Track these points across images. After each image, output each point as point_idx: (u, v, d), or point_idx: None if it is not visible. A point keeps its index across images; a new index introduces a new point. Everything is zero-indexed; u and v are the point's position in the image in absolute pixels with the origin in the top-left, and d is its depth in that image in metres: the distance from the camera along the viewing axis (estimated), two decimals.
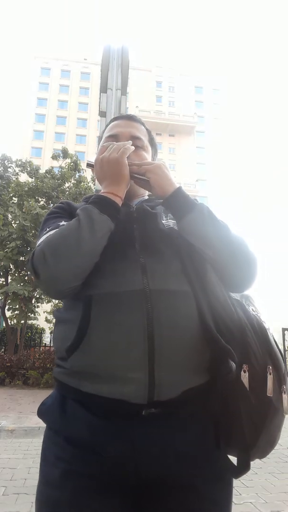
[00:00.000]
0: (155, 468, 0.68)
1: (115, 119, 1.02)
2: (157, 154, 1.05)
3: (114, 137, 0.95)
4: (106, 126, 1.03)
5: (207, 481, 0.69)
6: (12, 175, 11.97)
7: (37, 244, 0.77)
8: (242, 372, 0.69)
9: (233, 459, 0.72)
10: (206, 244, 0.77)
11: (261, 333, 0.73)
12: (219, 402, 0.71)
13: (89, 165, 0.92)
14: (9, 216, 9.98)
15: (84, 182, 12.42)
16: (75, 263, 0.71)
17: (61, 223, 0.80)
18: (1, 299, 9.81)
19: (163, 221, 0.86)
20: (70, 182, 12.38)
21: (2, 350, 10.40)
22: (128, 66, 8.54)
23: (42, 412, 0.79)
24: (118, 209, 0.78)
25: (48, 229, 0.79)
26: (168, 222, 0.86)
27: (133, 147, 0.86)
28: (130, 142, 0.89)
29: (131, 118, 1.00)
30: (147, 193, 0.98)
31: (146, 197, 0.97)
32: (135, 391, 0.67)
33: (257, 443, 0.68)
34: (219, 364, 0.71)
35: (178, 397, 0.69)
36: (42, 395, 6.80)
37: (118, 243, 0.78)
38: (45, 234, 0.78)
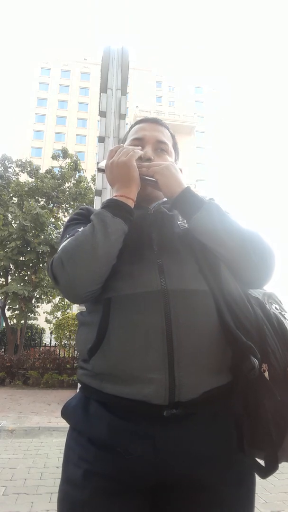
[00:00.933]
0: (176, 469, 0.67)
1: (140, 121, 1.01)
2: (178, 158, 1.05)
3: (140, 140, 0.95)
4: (130, 128, 1.03)
5: (228, 484, 0.69)
6: (12, 175, 11.98)
7: (58, 251, 0.79)
8: (261, 372, 0.68)
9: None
10: (216, 241, 0.77)
11: (281, 332, 0.73)
12: (242, 402, 0.71)
13: (100, 170, 0.93)
14: (9, 216, 9.99)
15: (84, 182, 12.43)
16: (91, 268, 0.71)
17: (80, 230, 0.80)
18: (1, 299, 9.81)
19: (179, 223, 0.87)
20: (70, 182, 12.39)
21: (2, 350, 10.40)
22: (128, 66, 8.53)
23: (66, 413, 0.80)
24: (130, 211, 0.78)
25: (68, 236, 0.80)
26: (184, 223, 0.86)
27: (141, 152, 0.87)
28: (140, 147, 0.89)
29: (157, 121, 1.00)
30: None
31: (165, 199, 0.96)
32: (156, 392, 0.67)
33: (282, 445, 0.67)
34: (241, 361, 0.69)
35: (199, 398, 0.68)
36: (42, 395, 6.80)
37: (136, 245, 0.79)
38: (64, 241, 0.79)
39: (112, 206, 0.78)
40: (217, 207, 0.79)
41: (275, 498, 2.64)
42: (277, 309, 0.78)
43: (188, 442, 0.68)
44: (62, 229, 0.91)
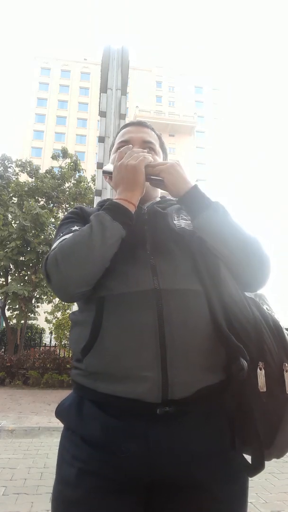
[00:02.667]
0: (170, 467, 0.68)
1: (126, 125, 1.04)
2: (167, 158, 1.06)
3: (126, 142, 0.97)
4: (117, 133, 1.05)
5: (221, 482, 0.69)
6: (12, 175, 11.98)
7: (51, 249, 0.79)
8: (258, 370, 0.69)
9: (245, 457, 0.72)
10: (220, 242, 0.77)
11: (277, 331, 0.74)
12: (234, 401, 0.71)
13: (105, 172, 0.94)
14: (9, 216, 9.99)
15: (84, 182, 12.42)
16: (86, 269, 0.72)
17: (74, 228, 0.82)
18: (1, 299, 9.81)
19: (174, 222, 0.87)
20: (70, 182, 12.38)
21: (2, 350, 10.40)
22: (128, 66, 8.53)
23: (59, 413, 0.80)
24: (130, 217, 0.78)
25: (61, 235, 0.81)
26: (179, 222, 0.86)
27: (151, 159, 0.87)
28: (151, 154, 0.90)
29: (141, 124, 1.02)
30: (159, 196, 1.00)
31: (158, 199, 0.98)
32: (149, 390, 0.68)
33: (274, 442, 0.68)
34: (231, 362, 0.71)
35: (192, 396, 0.69)
36: (42, 395, 6.80)
37: (129, 245, 0.79)
38: (58, 239, 0.80)
39: (112, 209, 0.78)
40: (224, 209, 0.80)
41: (275, 498, 2.65)
42: (267, 310, 0.79)
43: (182, 440, 0.69)
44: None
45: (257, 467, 0.67)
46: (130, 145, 0.92)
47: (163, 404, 0.68)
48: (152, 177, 0.85)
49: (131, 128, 1.01)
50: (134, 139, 0.97)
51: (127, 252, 0.78)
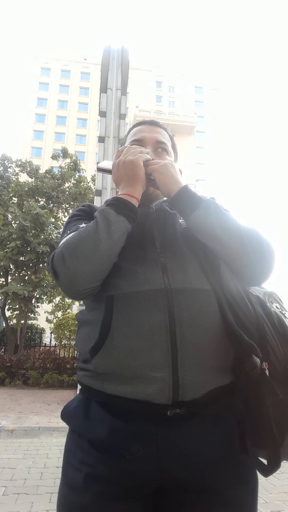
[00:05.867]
0: (179, 471, 0.67)
1: (138, 124, 1.02)
2: (177, 159, 1.06)
3: (139, 141, 0.96)
4: (129, 131, 1.04)
5: (231, 486, 0.68)
6: (12, 175, 11.96)
7: (58, 246, 0.78)
8: None
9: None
10: (214, 239, 0.76)
11: (282, 330, 0.72)
12: (243, 402, 0.70)
13: (100, 169, 0.95)
14: (9, 216, 9.98)
15: (84, 182, 12.41)
16: (93, 264, 0.71)
17: (81, 225, 0.80)
18: (1, 299, 9.80)
19: (180, 221, 0.87)
20: (70, 182, 12.37)
21: (2, 350, 10.39)
22: (128, 66, 8.53)
23: (66, 415, 0.79)
24: (134, 210, 0.78)
25: (69, 232, 0.81)
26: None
27: (149, 156, 0.87)
28: (148, 150, 0.90)
29: (155, 123, 1.01)
30: None
31: (165, 198, 0.96)
32: (159, 391, 0.66)
33: (283, 442, 0.67)
34: (242, 360, 0.69)
35: (202, 397, 0.68)
36: (42, 395, 6.80)
37: (138, 243, 0.79)
38: (66, 236, 0.79)
39: (116, 204, 0.77)
40: (215, 205, 0.79)
41: (275, 498, 2.64)
42: (277, 308, 0.78)
43: (192, 443, 0.67)
44: (62, 227, 0.91)
45: (273, 466, 0.67)
46: (129, 145, 0.92)
47: (173, 406, 0.67)
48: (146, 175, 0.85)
49: (144, 127, 0.99)
50: (147, 139, 0.96)
51: (137, 250, 0.78)
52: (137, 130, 1.00)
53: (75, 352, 9.10)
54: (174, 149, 1.04)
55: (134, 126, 1.03)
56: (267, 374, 0.68)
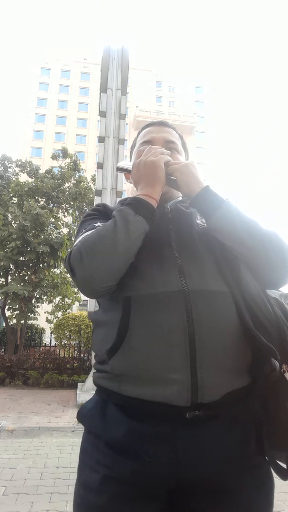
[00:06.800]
0: (195, 471, 0.67)
1: (147, 126, 1.03)
2: (188, 158, 1.06)
3: (149, 142, 0.97)
4: (138, 133, 1.05)
5: (248, 488, 0.68)
6: (12, 175, 11.96)
7: (74, 244, 0.79)
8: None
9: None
10: (236, 241, 0.76)
11: None
12: (261, 403, 0.70)
13: (119, 169, 0.94)
14: (9, 216, 9.98)
15: (84, 182, 12.42)
16: (110, 263, 0.71)
17: (97, 224, 0.81)
18: (1, 299, 9.80)
19: (197, 221, 0.86)
20: (70, 182, 12.38)
21: (2, 350, 10.39)
22: (128, 66, 8.53)
23: (81, 416, 0.79)
24: (153, 211, 0.78)
25: (84, 231, 0.81)
26: (202, 221, 0.85)
27: (169, 158, 0.87)
28: (169, 152, 0.89)
29: (163, 123, 1.02)
30: (181, 194, 0.98)
31: (180, 198, 0.97)
32: (178, 393, 0.66)
33: None
34: (261, 363, 0.68)
35: (220, 399, 0.68)
36: (42, 395, 6.80)
37: (155, 244, 0.78)
38: (81, 235, 0.79)
39: (135, 204, 0.77)
40: (236, 207, 0.78)
41: (275, 498, 2.62)
42: None
43: (209, 445, 0.67)
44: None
45: None
46: (151, 146, 0.91)
47: (192, 408, 0.67)
48: (166, 175, 0.84)
49: (153, 128, 1.00)
50: (157, 139, 0.96)
51: (153, 251, 0.78)
52: (146, 132, 1.01)
53: (75, 352, 9.10)
54: (185, 147, 1.04)
55: (143, 128, 1.04)
56: (287, 378, 0.67)
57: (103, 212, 0.90)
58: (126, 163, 0.94)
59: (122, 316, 0.72)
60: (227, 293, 0.73)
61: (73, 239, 11.71)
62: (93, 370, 0.84)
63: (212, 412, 0.68)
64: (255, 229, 0.76)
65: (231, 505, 0.67)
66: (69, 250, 0.78)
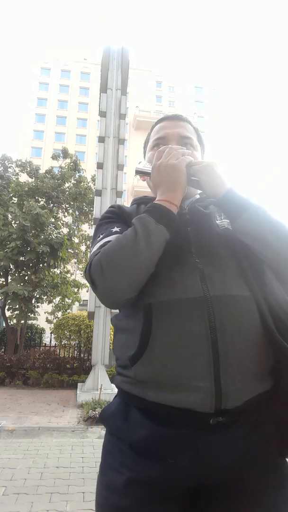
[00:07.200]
0: (217, 474, 0.67)
1: (161, 120, 0.99)
2: (204, 151, 1.02)
3: (163, 139, 0.93)
4: (152, 127, 1.01)
5: (269, 488, 0.68)
6: (12, 175, 11.96)
7: (92, 251, 0.78)
8: None
9: None
10: (262, 244, 0.74)
11: None
12: (283, 406, 0.70)
13: (138, 172, 0.90)
14: (9, 216, 9.98)
15: (84, 182, 12.42)
16: (131, 275, 0.70)
17: (114, 229, 0.80)
18: (1, 299, 9.80)
19: (217, 221, 0.83)
20: (70, 182, 12.38)
21: (2, 350, 10.39)
22: (128, 66, 8.53)
23: (104, 418, 0.80)
24: (173, 218, 0.76)
25: (101, 236, 0.80)
26: (222, 222, 0.83)
27: (192, 158, 0.84)
28: (190, 151, 0.87)
29: (178, 117, 0.97)
30: (198, 192, 0.95)
31: (198, 197, 0.93)
32: (202, 400, 0.66)
33: None
34: (284, 367, 0.68)
35: (244, 405, 0.68)
36: (42, 395, 6.80)
37: (174, 248, 0.76)
38: (98, 241, 0.79)
39: (155, 211, 0.75)
40: (264, 209, 0.76)
41: None
42: None
43: (231, 447, 0.68)
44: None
45: None
46: (171, 146, 0.87)
47: (216, 414, 0.67)
48: (188, 176, 0.81)
49: (167, 123, 0.96)
50: (171, 135, 0.92)
51: (172, 256, 0.76)
52: (160, 127, 0.96)
53: (75, 352, 9.10)
54: (201, 142, 0.99)
55: (156, 123, 1.00)
56: None
57: (119, 215, 0.89)
58: (145, 165, 0.90)
59: (143, 323, 0.71)
60: (249, 298, 0.71)
61: (73, 239, 11.73)
62: (114, 374, 0.85)
63: (235, 417, 0.68)
64: (283, 232, 0.74)
65: (251, 505, 0.68)
66: (89, 256, 0.77)
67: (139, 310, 0.73)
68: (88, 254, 11.60)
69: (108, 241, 0.76)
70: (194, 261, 0.75)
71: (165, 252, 0.74)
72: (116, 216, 0.88)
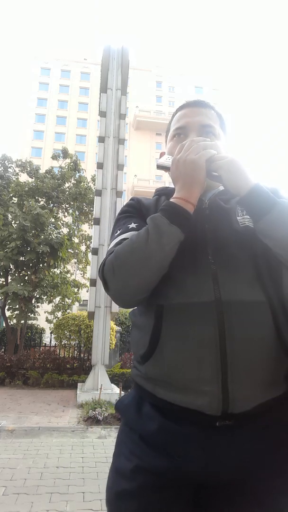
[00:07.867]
0: (223, 473, 0.68)
1: (181, 107, 0.93)
2: (226, 135, 0.96)
3: (183, 129, 0.89)
4: (173, 116, 0.96)
5: (275, 491, 0.68)
6: (12, 175, 11.96)
7: (109, 247, 0.78)
8: None
9: None
10: (285, 248, 0.68)
11: None
12: None
13: (159, 167, 0.87)
14: (9, 216, 9.98)
15: (84, 182, 12.42)
16: (143, 277, 0.71)
17: (131, 226, 0.80)
18: (1, 299, 9.80)
19: (238, 218, 0.79)
20: (70, 182, 12.38)
21: (2, 350, 10.39)
22: (128, 66, 8.53)
23: (119, 408, 0.83)
24: (189, 217, 0.72)
25: (118, 232, 0.80)
26: (243, 219, 0.78)
27: (214, 151, 0.78)
28: (212, 144, 0.81)
29: (198, 104, 0.91)
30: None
31: (221, 188, 0.87)
32: (209, 403, 0.67)
33: None
34: None
35: (253, 409, 0.67)
36: (42, 395, 6.80)
37: (189, 246, 0.74)
38: (116, 237, 0.79)
39: (170, 211, 0.72)
40: None
41: None
42: None
43: (238, 449, 0.67)
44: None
45: None
46: (193, 139, 0.82)
47: (222, 418, 0.67)
48: (209, 172, 0.77)
49: (187, 111, 0.91)
50: (191, 124, 0.88)
51: (187, 255, 0.74)
52: (180, 115, 0.92)
53: (75, 352, 9.11)
54: (224, 129, 0.94)
55: (177, 110, 0.94)
56: None
57: (137, 209, 0.87)
58: (167, 159, 0.86)
59: (154, 324, 0.72)
60: (264, 303, 0.68)
61: (73, 239, 11.73)
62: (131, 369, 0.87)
63: (243, 421, 0.68)
64: None
65: (252, 506, 0.68)
66: (105, 254, 0.77)
67: (152, 310, 0.74)
68: (89, 254, 11.62)
69: (124, 239, 0.76)
70: (209, 263, 0.73)
71: (180, 250, 0.72)
72: (134, 210, 0.88)
